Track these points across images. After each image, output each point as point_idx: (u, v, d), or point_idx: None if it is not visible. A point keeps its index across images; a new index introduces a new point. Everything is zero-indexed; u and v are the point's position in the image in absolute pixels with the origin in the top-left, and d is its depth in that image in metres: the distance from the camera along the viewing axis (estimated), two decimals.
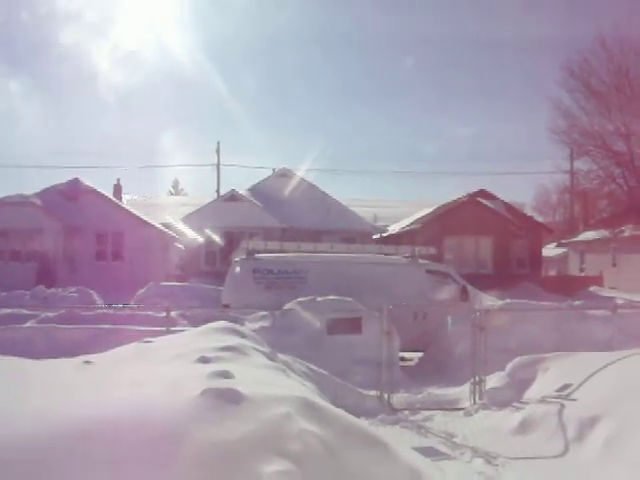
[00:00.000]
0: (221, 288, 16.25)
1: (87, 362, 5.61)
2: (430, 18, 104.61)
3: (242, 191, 37.58)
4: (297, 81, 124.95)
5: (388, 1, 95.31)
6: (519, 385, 9.17)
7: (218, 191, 52.32)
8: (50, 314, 13.95)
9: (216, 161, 56.01)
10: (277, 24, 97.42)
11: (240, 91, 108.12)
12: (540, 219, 51.40)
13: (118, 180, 40.26)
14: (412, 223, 38.16)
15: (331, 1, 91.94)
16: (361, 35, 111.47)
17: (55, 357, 6.92)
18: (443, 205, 38.67)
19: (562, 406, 7.61)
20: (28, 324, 12.98)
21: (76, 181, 33.81)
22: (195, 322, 11.95)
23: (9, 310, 14.79)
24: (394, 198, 70.59)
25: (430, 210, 39.49)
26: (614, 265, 37.88)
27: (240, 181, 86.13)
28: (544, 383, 8.81)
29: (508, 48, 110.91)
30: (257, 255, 15.41)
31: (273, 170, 42.07)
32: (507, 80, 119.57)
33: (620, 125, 32.27)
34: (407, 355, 13.50)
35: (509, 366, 9.60)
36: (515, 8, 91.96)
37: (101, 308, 16.36)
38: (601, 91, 33.06)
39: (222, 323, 8.12)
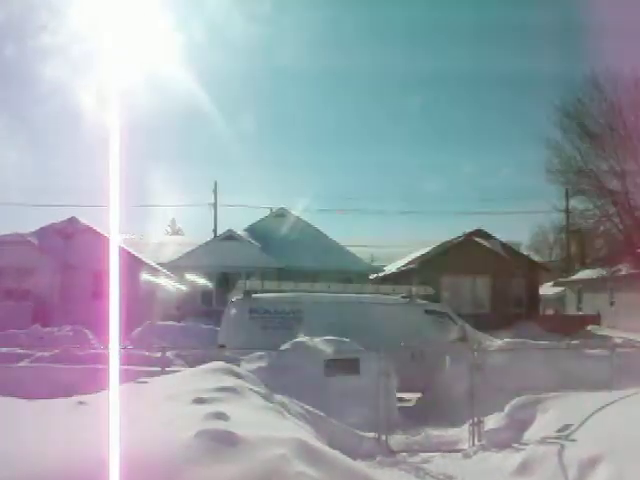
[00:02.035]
0: (217, 328, 16.17)
1: (81, 402, 5.55)
2: (425, 63, 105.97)
3: (239, 231, 37.62)
4: (295, 121, 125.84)
5: (384, 44, 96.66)
6: (518, 426, 9.07)
7: (215, 231, 52.31)
8: (45, 353, 13.84)
9: (213, 201, 56.20)
10: (276, 64, 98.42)
11: (238, 131, 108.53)
12: (537, 258, 51.44)
13: None
14: (409, 263, 38.17)
15: (329, 42, 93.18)
16: (359, 78, 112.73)
17: (49, 397, 6.84)
18: (440, 245, 38.74)
19: (562, 447, 7.51)
20: (22, 363, 12.86)
21: (73, 220, 33.82)
22: (191, 362, 11.86)
23: (4, 349, 14.66)
24: (391, 238, 70.67)
25: (427, 250, 39.53)
26: (611, 304, 37.84)
27: (237, 221, 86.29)
28: (544, 424, 8.72)
29: (503, 88, 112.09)
30: (254, 295, 15.35)
31: (270, 210, 42.18)
32: (502, 120, 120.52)
33: (614, 164, 32.45)
34: (405, 396, 13.37)
35: (508, 406, 9.52)
36: (509, 48, 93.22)
37: (96, 348, 16.23)
38: (595, 130, 33.31)
39: (218, 364, 8.07)
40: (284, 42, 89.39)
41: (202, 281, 34.29)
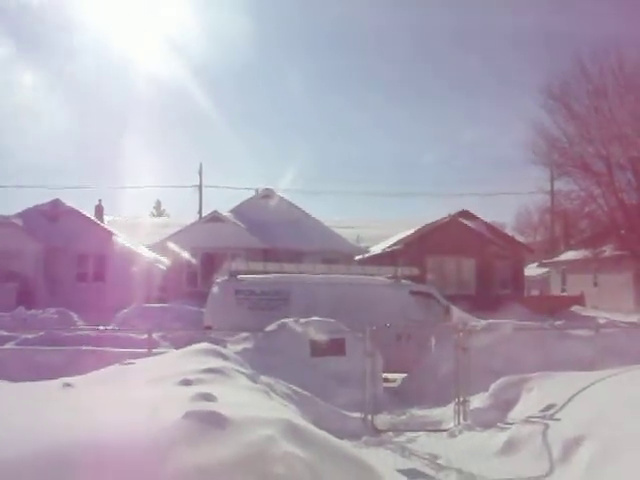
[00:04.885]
0: (203, 309, 16.15)
1: (67, 384, 5.52)
2: (409, 40, 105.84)
3: (224, 212, 37.47)
4: (279, 102, 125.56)
5: (364, 25, 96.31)
6: (503, 405, 9.14)
7: (200, 212, 52.25)
8: (30, 336, 13.76)
9: (198, 182, 56.03)
10: (259, 46, 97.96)
11: (223, 112, 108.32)
12: (521, 239, 51.72)
13: (100, 201, 40.10)
14: (394, 244, 38.26)
15: (308, 26, 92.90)
16: (340, 60, 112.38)
17: (35, 379, 6.81)
18: (425, 226, 38.84)
19: (546, 426, 7.59)
20: (7, 346, 12.79)
21: (57, 202, 33.66)
22: (177, 344, 11.83)
23: None
24: (377, 219, 70.77)
25: (412, 231, 39.64)
26: (595, 285, 38.15)
27: (222, 202, 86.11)
28: (528, 403, 8.80)
29: (488, 69, 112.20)
30: (239, 276, 15.33)
31: (256, 191, 41.96)
32: (488, 101, 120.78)
33: (600, 146, 32.52)
34: (390, 376, 13.43)
35: (493, 386, 9.59)
36: (497, 29, 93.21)
37: (82, 330, 16.16)
38: (581, 113, 33.36)
39: (204, 345, 8.07)
40: (268, 26, 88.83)
41: (187, 262, 34.18)
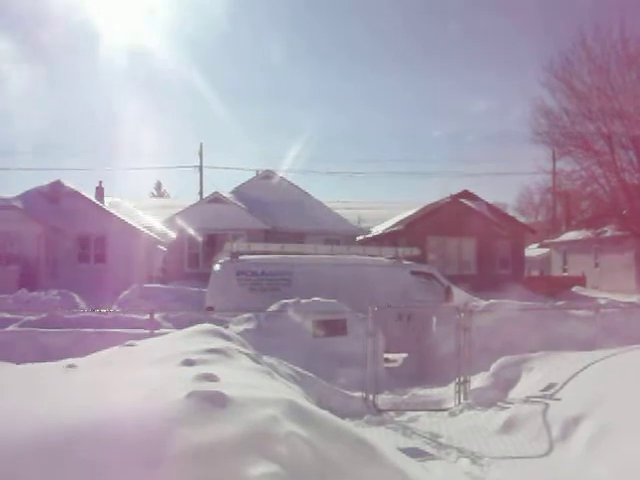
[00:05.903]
0: (205, 290, 16.20)
1: (71, 366, 5.55)
2: (411, 16, 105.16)
3: (225, 193, 37.43)
4: (280, 83, 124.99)
5: (371, 8, 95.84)
6: (504, 385, 9.20)
7: (201, 193, 52.19)
8: (32, 318, 13.82)
9: (199, 163, 55.93)
10: (258, 25, 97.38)
11: (224, 92, 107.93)
12: (522, 220, 51.67)
13: (100, 182, 40.03)
14: (396, 224, 38.24)
15: (312, 1, 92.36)
16: (342, 37, 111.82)
17: (38, 361, 6.84)
18: (426, 206, 38.79)
19: (546, 406, 7.64)
20: (10, 328, 12.85)
21: (58, 183, 33.62)
22: (179, 325, 11.89)
23: None
24: (378, 199, 70.65)
25: (414, 211, 39.60)
26: (596, 265, 38.20)
27: (223, 183, 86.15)
28: (528, 383, 8.85)
29: (490, 48, 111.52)
30: (241, 257, 15.35)
31: (257, 172, 41.89)
32: (489, 80, 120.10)
33: (601, 125, 32.35)
34: (391, 356, 13.49)
35: (494, 366, 9.64)
36: (497, 7, 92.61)
37: (84, 311, 16.22)
38: (583, 91, 33.13)
39: (206, 326, 8.08)
40: (270, 4, 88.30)
41: (189, 243, 34.18)
